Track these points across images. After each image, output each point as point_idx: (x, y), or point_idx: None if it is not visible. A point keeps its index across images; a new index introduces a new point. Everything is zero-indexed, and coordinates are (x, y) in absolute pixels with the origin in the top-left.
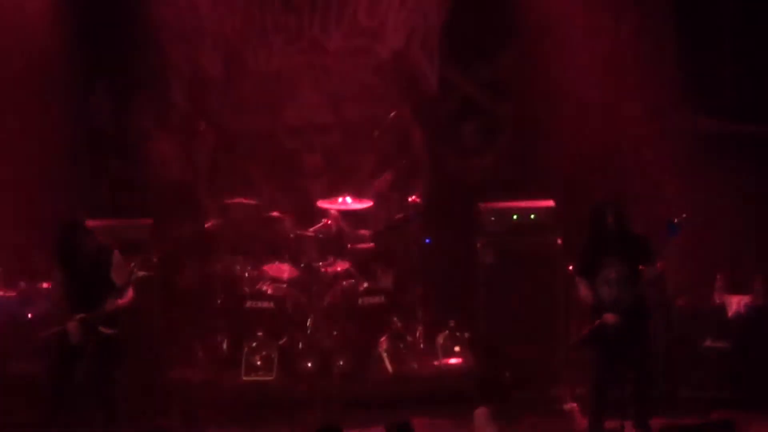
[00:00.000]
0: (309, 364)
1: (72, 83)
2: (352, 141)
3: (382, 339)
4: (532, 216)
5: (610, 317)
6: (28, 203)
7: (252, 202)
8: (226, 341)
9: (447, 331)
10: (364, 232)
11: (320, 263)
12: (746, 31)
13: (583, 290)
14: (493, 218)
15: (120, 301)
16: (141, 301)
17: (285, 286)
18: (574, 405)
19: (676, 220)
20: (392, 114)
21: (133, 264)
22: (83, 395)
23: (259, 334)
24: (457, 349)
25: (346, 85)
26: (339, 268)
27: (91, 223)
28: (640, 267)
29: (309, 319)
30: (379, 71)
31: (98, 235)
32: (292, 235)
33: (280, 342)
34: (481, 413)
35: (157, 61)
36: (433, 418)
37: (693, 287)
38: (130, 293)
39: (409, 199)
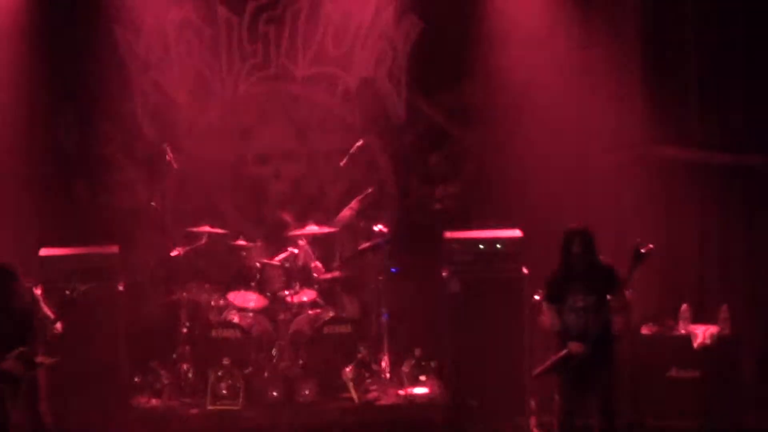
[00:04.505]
0: (275, 393)
1: (38, 109)
2: (319, 169)
3: (348, 368)
4: (498, 245)
5: (575, 346)
6: None
7: (218, 230)
8: (191, 370)
9: (413, 360)
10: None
11: (286, 292)
12: (712, 61)
13: (548, 317)
14: (459, 247)
15: (58, 327)
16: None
17: (251, 314)
18: None
19: (642, 250)
20: (359, 143)
21: (74, 282)
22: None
23: (225, 362)
24: (422, 378)
25: (313, 113)
26: (305, 297)
27: (56, 250)
28: (607, 296)
29: (275, 348)
30: (346, 99)
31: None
32: (258, 264)
33: (246, 371)
34: None
35: (124, 88)
36: None
37: (659, 316)
38: (59, 324)
39: (376, 228)
